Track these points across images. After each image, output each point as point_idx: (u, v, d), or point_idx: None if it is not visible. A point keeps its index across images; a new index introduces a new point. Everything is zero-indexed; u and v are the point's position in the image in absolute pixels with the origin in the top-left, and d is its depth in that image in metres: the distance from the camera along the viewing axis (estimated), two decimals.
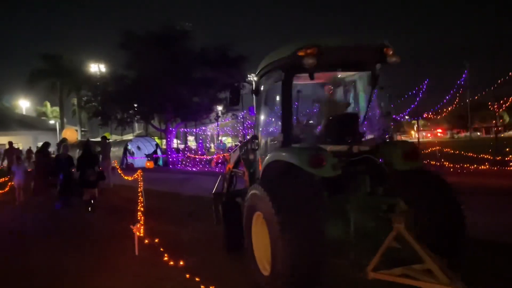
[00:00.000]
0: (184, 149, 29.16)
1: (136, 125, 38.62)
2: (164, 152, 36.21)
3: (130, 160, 34.02)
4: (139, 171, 10.90)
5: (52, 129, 56.67)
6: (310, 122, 5.21)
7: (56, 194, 11.65)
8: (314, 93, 5.23)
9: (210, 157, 27.26)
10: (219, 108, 29.56)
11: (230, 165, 6.81)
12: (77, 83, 47.99)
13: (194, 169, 25.48)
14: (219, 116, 28.41)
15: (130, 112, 27.41)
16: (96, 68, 33.67)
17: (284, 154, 4.46)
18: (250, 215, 4.57)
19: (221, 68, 25.87)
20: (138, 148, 36.64)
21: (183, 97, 25.62)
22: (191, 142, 40.07)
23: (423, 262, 3.67)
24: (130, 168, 25.24)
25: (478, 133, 68.68)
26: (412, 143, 4.95)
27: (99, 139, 29.45)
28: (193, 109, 26.13)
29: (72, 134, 44.32)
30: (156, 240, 5.92)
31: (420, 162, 4.50)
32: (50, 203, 11.53)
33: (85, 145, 12.45)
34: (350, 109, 5.06)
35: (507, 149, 14.66)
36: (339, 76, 4.98)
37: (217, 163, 26.20)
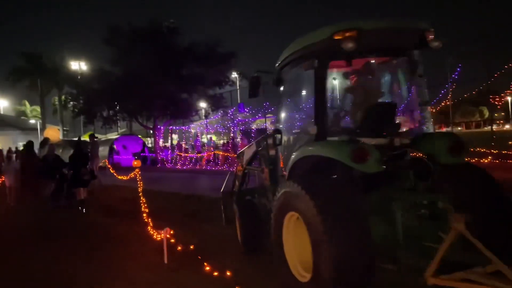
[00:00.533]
0: (173, 147, 28.44)
1: (118, 123, 37.48)
2: (151, 150, 35.49)
3: (116, 159, 33.21)
4: (136, 170, 10.38)
5: (33, 128, 55.14)
6: (342, 113, 4.81)
7: (48, 195, 11.17)
8: (344, 82, 4.84)
9: (200, 155, 26.66)
10: (203, 105, 28.86)
11: (243, 162, 6.39)
12: (59, 81, 46.76)
13: (185, 167, 24.89)
14: (209, 113, 27.79)
15: (117, 109, 26.54)
16: (79, 65, 32.40)
17: (320, 148, 4.06)
18: (281, 216, 4.16)
19: (210, 64, 25.31)
20: (124, 147, 35.77)
21: (172, 94, 24.95)
22: (175, 140, 39.39)
23: (477, 265, 3.35)
24: (117, 168, 24.46)
25: (459, 128, 69.54)
26: (457, 134, 4.58)
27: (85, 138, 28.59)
28: (183, 106, 25.45)
29: (54, 133, 43.12)
30: (192, 247, 5.46)
31: (465, 155, 4.15)
32: (40, 204, 10.94)
33: (77, 144, 12.05)
34: (385, 98, 4.67)
35: (510, 142, 14.57)
36: (372, 62, 4.59)
37: (208, 161, 25.69)
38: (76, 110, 27.83)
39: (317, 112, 4.17)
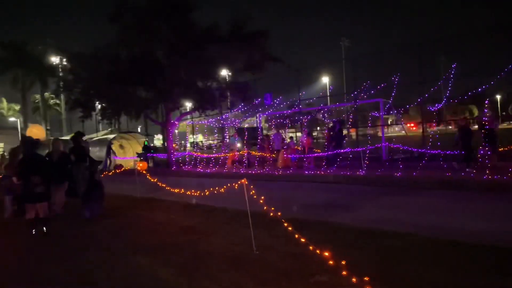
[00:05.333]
0: (193, 146, 24.00)
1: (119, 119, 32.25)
2: (156, 150, 30.94)
3: (117, 160, 28.53)
4: (243, 179, 6.05)
5: (12, 127, 50.02)
6: None
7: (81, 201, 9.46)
8: None
9: (224, 155, 22.31)
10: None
11: None
12: (44, 73, 41.60)
13: (208, 171, 20.44)
14: (234, 105, 23.21)
15: (123, 101, 21.58)
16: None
17: None
18: None
19: (237, 46, 20.69)
20: (121, 146, 31.14)
21: (195, 81, 20.42)
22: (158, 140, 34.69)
23: None
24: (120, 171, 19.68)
25: (450, 127, 67.33)
26: None
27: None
28: (209, 96, 20.86)
29: (39, 131, 37.92)
30: None
31: None
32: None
33: (28, 143, 8.56)
34: None
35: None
36: None
37: (235, 161, 21.36)
38: (71, 101, 22.74)
39: None
